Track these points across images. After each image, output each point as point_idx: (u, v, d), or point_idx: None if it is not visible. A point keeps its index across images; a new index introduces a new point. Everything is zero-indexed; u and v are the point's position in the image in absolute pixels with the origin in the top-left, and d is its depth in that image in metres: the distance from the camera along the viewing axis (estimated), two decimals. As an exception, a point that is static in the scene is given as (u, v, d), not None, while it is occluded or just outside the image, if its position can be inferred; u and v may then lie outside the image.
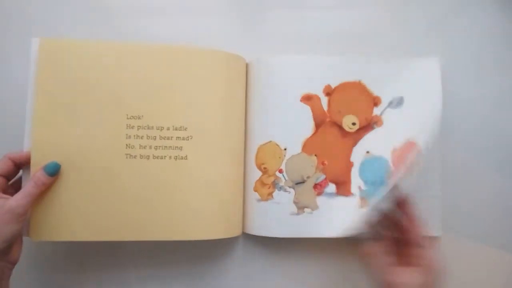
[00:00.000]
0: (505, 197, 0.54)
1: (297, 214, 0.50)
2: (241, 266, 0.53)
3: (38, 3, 0.54)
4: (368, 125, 0.51)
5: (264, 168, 0.51)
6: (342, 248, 0.52)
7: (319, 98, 0.51)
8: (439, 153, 0.50)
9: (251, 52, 0.52)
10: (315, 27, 0.56)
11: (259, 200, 0.51)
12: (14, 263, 0.42)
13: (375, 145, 0.51)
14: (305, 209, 0.50)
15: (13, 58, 0.53)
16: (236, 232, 0.51)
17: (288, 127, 0.51)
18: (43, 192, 0.44)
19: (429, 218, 0.47)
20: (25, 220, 0.42)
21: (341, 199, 0.50)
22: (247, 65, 0.53)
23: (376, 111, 0.51)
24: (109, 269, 0.52)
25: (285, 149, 0.51)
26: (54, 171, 0.44)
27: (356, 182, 0.51)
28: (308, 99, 0.51)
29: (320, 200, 0.50)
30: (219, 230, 0.49)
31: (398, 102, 0.51)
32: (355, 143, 0.51)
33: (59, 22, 0.54)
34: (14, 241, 0.42)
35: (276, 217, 0.50)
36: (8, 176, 0.44)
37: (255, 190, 0.51)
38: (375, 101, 0.51)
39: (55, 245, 0.52)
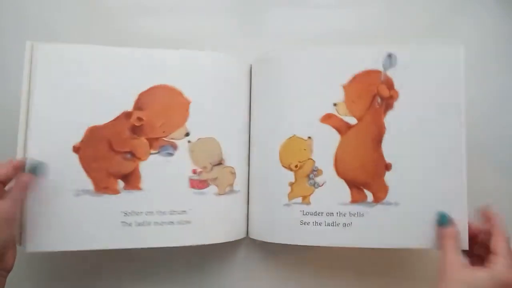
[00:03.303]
0: (505, 196, 0.54)
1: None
2: (244, 269, 0.53)
3: (35, 6, 0.54)
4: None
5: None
6: (345, 255, 0.53)
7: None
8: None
9: (252, 53, 0.52)
10: (317, 26, 0.56)
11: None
12: (8, 271, 0.42)
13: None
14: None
15: (10, 62, 0.52)
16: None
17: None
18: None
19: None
20: (16, 225, 0.42)
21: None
22: (251, 66, 0.52)
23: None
24: (108, 271, 0.52)
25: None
26: (35, 170, 0.43)
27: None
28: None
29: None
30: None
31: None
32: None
33: (57, 25, 0.54)
34: (7, 248, 0.41)
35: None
36: (5, 181, 0.43)
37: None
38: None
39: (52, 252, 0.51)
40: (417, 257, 0.54)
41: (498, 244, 0.40)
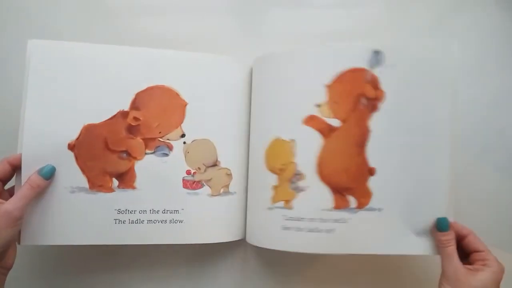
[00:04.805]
0: (504, 196, 0.54)
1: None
2: (242, 270, 0.53)
3: (35, 5, 0.54)
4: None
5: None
6: (343, 259, 0.53)
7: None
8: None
9: (252, 54, 0.51)
10: (317, 27, 0.56)
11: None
12: (8, 269, 0.42)
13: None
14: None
15: (10, 60, 0.52)
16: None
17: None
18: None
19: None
20: (21, 224, 0.42)
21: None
22: (251, 68, 0.52)
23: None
24: (108, 271, 0.53)
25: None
26: (49, 175, 0.44)
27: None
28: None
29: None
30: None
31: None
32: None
33: (56, 24, 0.54)
34: (9, 246, 0.41)
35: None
36: (4, 180, 0.43)
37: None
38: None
39: (52, 249, 0.52)
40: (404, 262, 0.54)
41: (477, 242, 0.42)
